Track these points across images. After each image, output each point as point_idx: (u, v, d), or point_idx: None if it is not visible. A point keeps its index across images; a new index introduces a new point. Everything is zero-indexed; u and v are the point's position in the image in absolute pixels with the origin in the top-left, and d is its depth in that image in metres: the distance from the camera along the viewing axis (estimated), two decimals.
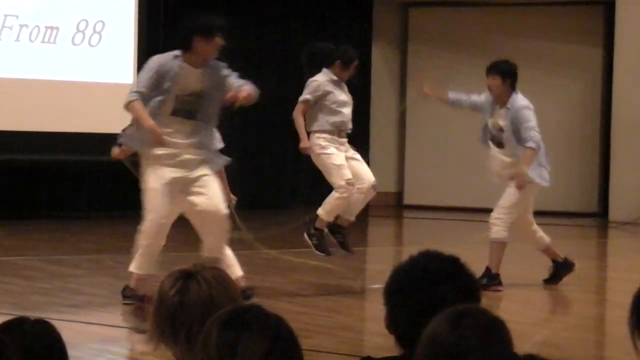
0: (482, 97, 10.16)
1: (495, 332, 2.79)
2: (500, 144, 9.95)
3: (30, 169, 15.10)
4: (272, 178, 17.55)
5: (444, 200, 18.57)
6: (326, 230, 9.70)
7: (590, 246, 13.47)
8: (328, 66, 9.77)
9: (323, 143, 9.62)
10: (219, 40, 8.38)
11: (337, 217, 9.70)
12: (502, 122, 9.91)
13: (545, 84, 18.36)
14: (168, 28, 16.35)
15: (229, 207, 8.79)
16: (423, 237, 15.16)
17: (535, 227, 10.30)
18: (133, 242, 8.48)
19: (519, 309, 9.15)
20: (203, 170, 8.48)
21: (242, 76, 8.65)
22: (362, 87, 17.37)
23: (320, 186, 18.26)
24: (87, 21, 15.12)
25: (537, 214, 16.78)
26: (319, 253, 9.64)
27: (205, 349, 2.40)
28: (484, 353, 1.84)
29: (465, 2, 18.66)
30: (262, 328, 2.40)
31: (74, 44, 15.02)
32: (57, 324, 2.97)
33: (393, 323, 3.20)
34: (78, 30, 15.02)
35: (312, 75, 9.77)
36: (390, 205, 18.52)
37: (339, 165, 9.57)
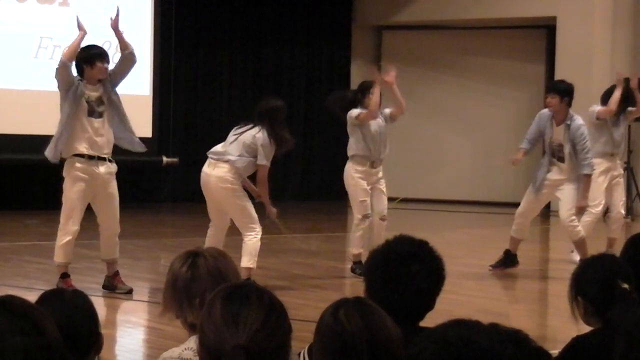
0: (536, 121, 9.68)
1: None
2: (561, 159, 9.52)
3: (62, 166, 15.04)
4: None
5: (415, 193, 18.55)
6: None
7: (535, 231, 13.42)
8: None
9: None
10: (99, 65, 8.71)
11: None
12: (561, 139, 9.48)
13: (497, 95, 18.43)
14: (178, 48, 16.38)
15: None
16: (397, 224, 15.14)
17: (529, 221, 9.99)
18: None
19: (475, 285, 9.13)
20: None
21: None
22: None
23: (308, 181, 18.25)
24: (110, 42, 15.01)
25: (494, 204, 16.79)
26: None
27: (211, 319, 2.37)
28: (457, 323, 1.78)
29: (430, 26, 18.66)
30: (258, 301, 2.38)
31: None
32: None
33: (370, 296, 3.18)
34: None
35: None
36: None
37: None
